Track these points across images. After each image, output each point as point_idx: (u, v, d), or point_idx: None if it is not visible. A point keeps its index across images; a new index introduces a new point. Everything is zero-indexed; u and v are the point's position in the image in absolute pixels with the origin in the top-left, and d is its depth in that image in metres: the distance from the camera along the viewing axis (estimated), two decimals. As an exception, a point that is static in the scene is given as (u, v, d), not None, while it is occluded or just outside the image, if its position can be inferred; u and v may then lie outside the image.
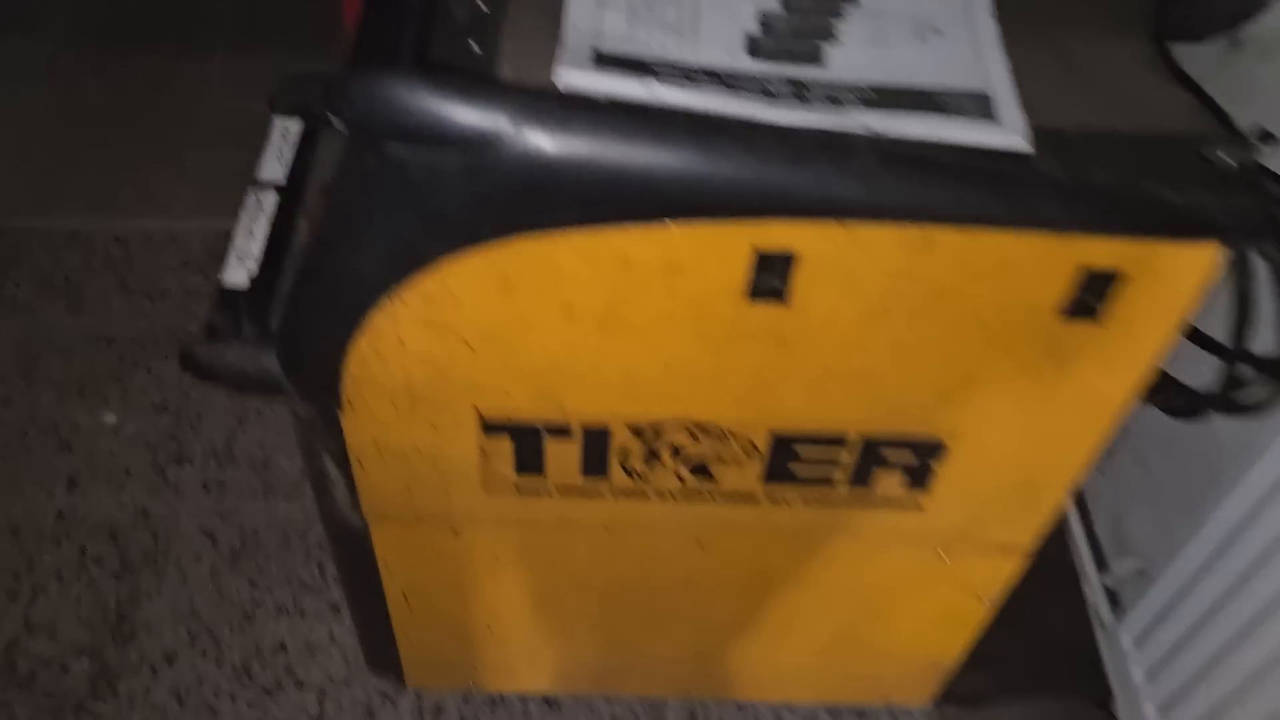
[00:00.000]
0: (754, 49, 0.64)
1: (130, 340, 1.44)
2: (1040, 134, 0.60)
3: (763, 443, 0.73)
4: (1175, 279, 0.61)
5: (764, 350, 0.65)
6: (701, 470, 0.76)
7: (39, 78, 1.80)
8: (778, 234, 0.58)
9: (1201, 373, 0.71)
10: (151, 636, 1.15)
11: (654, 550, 0.85)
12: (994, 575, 0.87)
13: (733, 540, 0.84)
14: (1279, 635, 0.81)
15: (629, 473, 0.76)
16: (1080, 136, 0.61)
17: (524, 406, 0.70)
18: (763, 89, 0.61)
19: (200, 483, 1.30)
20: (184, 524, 1.26)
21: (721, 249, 0.59)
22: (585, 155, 0.55)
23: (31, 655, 1.13)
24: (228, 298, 0.74)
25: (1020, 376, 0.67)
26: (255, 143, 0.82)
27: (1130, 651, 1.01)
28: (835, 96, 0.61)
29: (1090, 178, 0.58)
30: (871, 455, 0.74)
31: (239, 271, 0.75)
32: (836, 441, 0.73)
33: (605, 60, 0.61)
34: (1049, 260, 0.60)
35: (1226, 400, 0.70)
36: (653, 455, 0.74)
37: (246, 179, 0.80)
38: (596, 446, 0.73)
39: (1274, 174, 0.60)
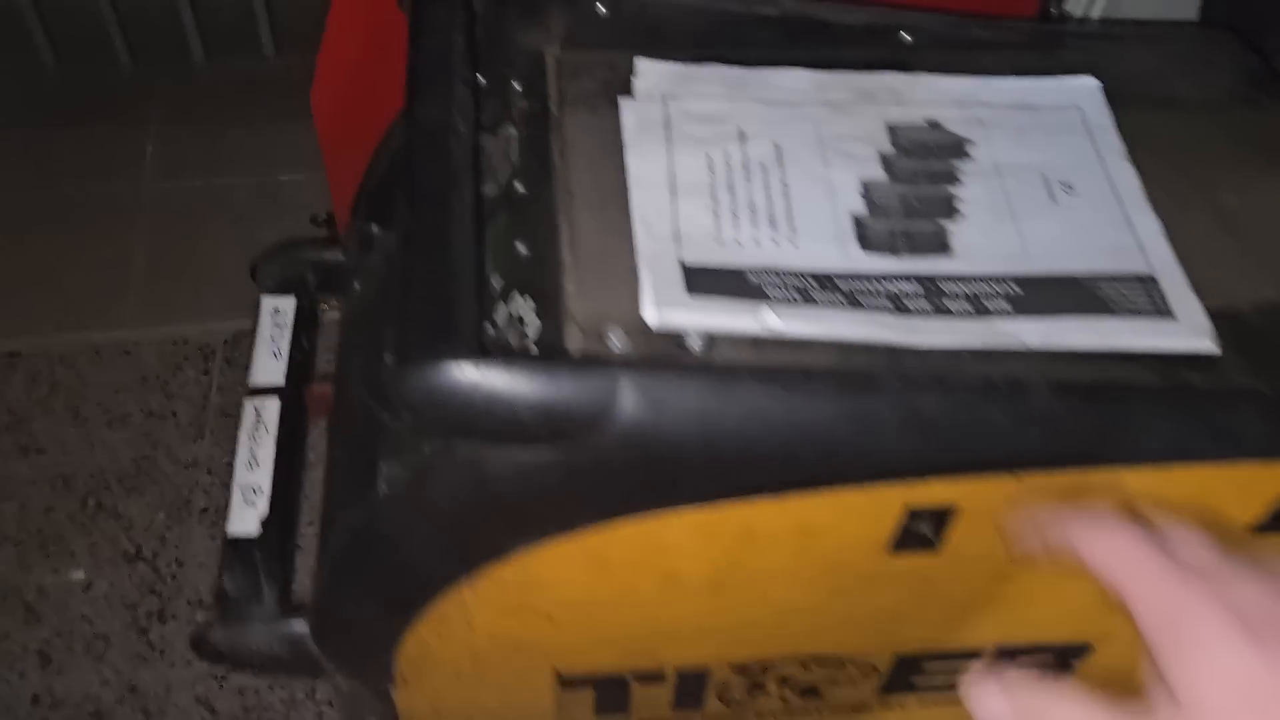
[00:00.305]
0: (865, 237, 0.53)
1: (90, 479, 1.29)
2: (1217, 320, 0.50)
3: (884, 664, 0.63)
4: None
5: (900, 591, 0.55)
6: (810, 692, 0.65)
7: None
8: (935, 491, 0.48)
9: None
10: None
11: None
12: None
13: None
14: None
15: (727, 702, 0.65)
16: (1260, 317, 0.52)
17: (611, 662, 0.59)
18: (890, 297, 0.50)
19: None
20: (177, 695, 1.13)
21: (866, 510, 0.49)
22: (703, 430, 0.44)
23: None
24: (238, 552, 0.61)
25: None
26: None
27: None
28: (977, 298, 0.50)
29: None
30: (1007, 658, 0.64)
31: (247, 515, 0.63)
32: (969, 655, 0.63)
33: (696, 277, 0.50)
34: (1246, 487, 0.50)
35: None
36: (756, 687, 0.64)
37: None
38: (692, 686, 0.63)
39: None
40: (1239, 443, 0.48)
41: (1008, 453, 0.47)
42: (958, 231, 0.53)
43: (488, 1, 0.59)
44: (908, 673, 0.64)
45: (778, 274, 0.50)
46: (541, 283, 0.52)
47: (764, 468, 0.45)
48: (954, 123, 0.58)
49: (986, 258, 0.52)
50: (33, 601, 1.19)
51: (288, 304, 0.72)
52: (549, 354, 0.46)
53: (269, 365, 0.69)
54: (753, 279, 0.50)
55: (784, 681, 0.64)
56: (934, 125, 0.58)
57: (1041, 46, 0.64)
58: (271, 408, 0.67)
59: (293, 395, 0.68)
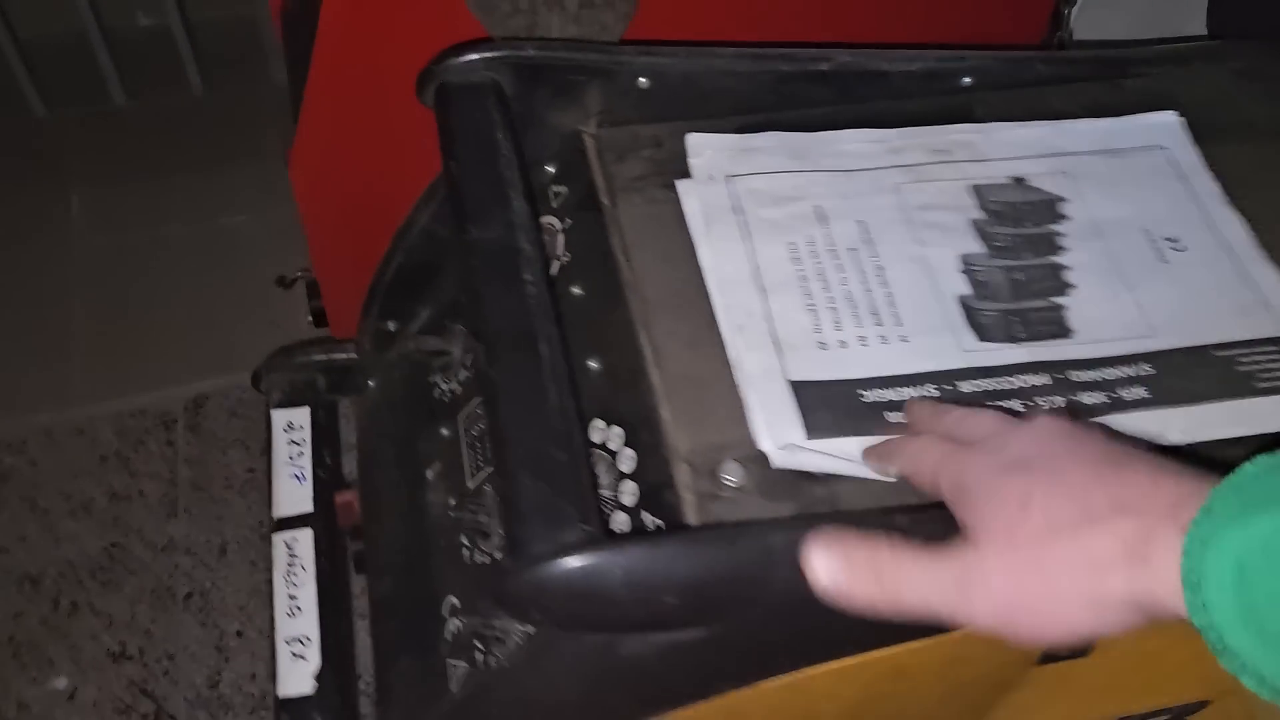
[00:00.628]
0: (979, 324, 0.48)
1: (60, 576, 1.20)
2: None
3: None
4: None
5: (1038, 691, 0.51)
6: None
7: None
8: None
9: None
10: None
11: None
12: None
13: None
14: None
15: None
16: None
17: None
18: (1019, 394, 0.46)
19: (194, 746, 1.09)
20: (189, 805, 1.06)
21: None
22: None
23: None
24: (294, 717, 0.55)
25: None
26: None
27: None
28: (1111, 386, 0.46)
29: None
30: None
31: (297, 673, 0.56)
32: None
33: (808, 397, 0.45)
34: None
35: None
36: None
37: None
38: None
39: None
40: None
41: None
42: (1073, 307, 0.49)
43: (518, 84, 0.53)
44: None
45: (893, 383, 0.46)
46: (629, 408, 0.46)
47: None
48: (1040, 177, 0.54)
49: (1110, 336, 0.48)
50: (15, 719, 1.10)
51: (301, 416, 0.66)
52: (658, 502, 0.41)
53: (293, 491, 0.63)
54: (868, 397, 0.45)
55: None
56: (1019, 181, 0.54)
57: (1106, 77, 0.60)
58: (305, 541, 0.61)
59: (326, 522, 0.62)
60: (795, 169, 0.54)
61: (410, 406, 0.64)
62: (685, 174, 0.54)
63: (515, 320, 0.43)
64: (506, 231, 0.46)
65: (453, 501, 0.57)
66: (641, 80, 0.54)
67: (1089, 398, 0.46)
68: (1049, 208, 0.53)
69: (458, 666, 0.50)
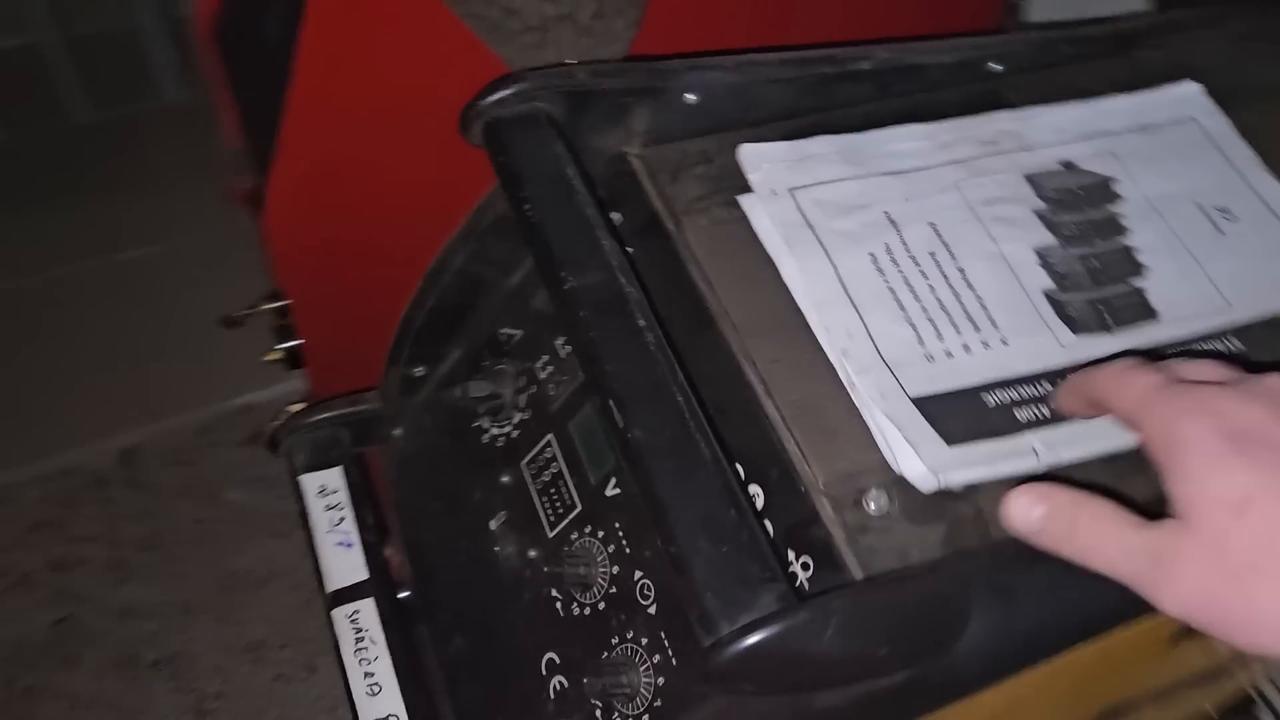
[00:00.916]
0: (1069, 317, 0.48)
1: (8, 659, 1.11)
2: None
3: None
4: None
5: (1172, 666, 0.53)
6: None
7: None
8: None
9: None
10: None
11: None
12: None
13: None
14: None
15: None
16: None
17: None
18: (1127, 384, 0.46)
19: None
20: None
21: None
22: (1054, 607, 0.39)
23: None
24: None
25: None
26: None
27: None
28: (1205, 364, 0.47)
29: None
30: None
31: (389, 755, 0.53)
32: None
33: (933, 412, 0.44)
34: None
35: None
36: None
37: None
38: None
39: None
40: None
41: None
42: (1152, 289, 0.50)
43: (567, 111, 0.50)
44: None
45: (1009, 386, 0.46)
46: (745, 443, 0.45)
47: (1098, 623, 0.41)
48: (1087, 160, 0.54)
49: (1192, 314, 0.49)
50: (-15, 822, 1.02)
51: (334, 479, 0.62)
52: (805, 540, 0.40)
53: (343, 560, 0.59)
54: (991, 401, 0.45)
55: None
56: (1069, 166, 0.54)
57: (1120, 53, 0.60)
58: (368, 612, 0.57)
59: (385, 587, 0.58)
60: (854, 175, 0.53)
61: (454, 454, 0.61)
62: (743, 188, 0.52)
63: (642, 371, 0.41)
64: (606, 275, 0.43)
65: (533, 554, 0.54)
66: (689, 96, 0.52)
67: (1190, 380, 0.46)
68: (1103, 189, 0.53)
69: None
